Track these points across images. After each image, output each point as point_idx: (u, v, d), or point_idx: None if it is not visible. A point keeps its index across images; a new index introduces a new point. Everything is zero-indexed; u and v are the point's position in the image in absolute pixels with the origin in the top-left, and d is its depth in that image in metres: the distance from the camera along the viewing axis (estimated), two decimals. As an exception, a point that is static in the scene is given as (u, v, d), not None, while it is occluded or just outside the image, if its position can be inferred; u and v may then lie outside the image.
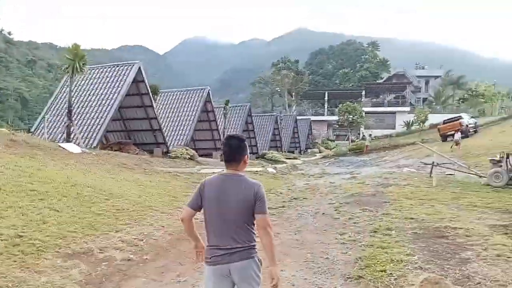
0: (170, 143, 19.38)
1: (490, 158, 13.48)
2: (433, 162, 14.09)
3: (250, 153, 22.80)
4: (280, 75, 57.06)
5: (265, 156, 24.87)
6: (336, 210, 9.29)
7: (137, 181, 11.15)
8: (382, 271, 4.65)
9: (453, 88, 62.77)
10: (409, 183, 12.95)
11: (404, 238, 6.41)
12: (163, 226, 7.21)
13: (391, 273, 4.54)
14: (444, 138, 29.20)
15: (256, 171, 17.20)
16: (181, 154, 17.83)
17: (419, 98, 65.44)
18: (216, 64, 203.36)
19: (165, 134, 19.24)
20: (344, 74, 75.03)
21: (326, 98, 55.48)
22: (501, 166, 12.51)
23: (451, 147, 22.93)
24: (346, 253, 5.86)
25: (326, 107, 55.08)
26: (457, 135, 23.98)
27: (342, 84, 72.70)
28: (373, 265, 4.93)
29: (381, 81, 67.57)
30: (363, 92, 56.25)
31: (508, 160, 12.28)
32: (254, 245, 2.67)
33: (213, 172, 15.09)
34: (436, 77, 68.34)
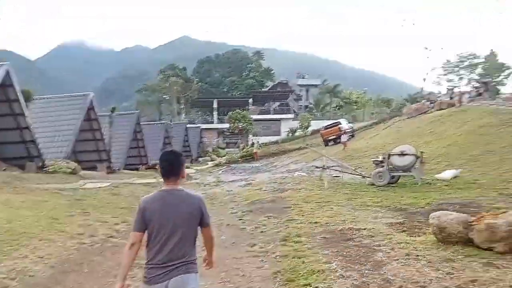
0: (47, 156, 16.99)
1: (373, 159, 14.61)
2: (323, 165, 14.75)
3: (140, 164, 21.20)
4: (168, 82, 55.46)
5: (156, 167, 23.56)
6: (240, 219, 8.95)
7: (6, 202, 9.33)
8: (306, 285, 4.36)
9: (330, 96, 68.33)
10: (303, 187, 13.29)
11: (315, 245, 6.29)
12: (41, 257, 5.96)
13: (316, 287, 4.26)
14: (326, 142, 31.39)
15: (148, 182, 16.08)
16: (60, 168, 15.78)
17: (301, 105, 69.82)
18: (97, 71, 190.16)
19: (41, 146, 16.78)
20: (232, 82, 76.33)
21: (215, 106, 55.63)
22: (383, 166, 13.62)
23: (343, 149, 24.87)
24: (262, 267, 5.48)
25: (215, 115, 55.19)
26: (344, 137, 26.52)
27: (230, 92, 73.83)
28: (295, 279, 4.62)
29: (266, 89, 70.36)
30: (251, 100, 57.82)
31: (389, 160, 13.41)
32: (195, 260, 2.70)
33: (99, 187, 13.70)
34: (315, 86, 73.69)
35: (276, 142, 43.10)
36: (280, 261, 5.59)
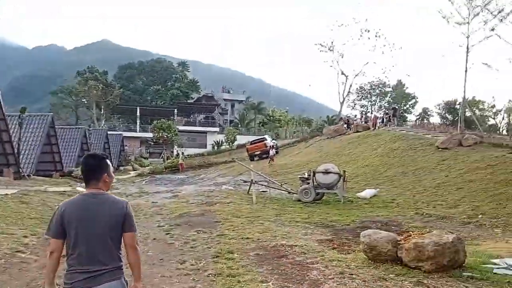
0: None
1: (299, 176, 14.93)
2: (251, 180, 14.73)
3: (53, 171, 19.30)
4: (87, 85, 52.17)
5: (72, 174, 21.80)
6: (168, 233, 8.46)
7: None
8: (247, 307, 4.13)
9: (255, 113, 69.58)
10: (232, 201, 13.10)
11: (249, 262, 6.11)
12: None
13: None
14: (252, 157, 31.67)
15: (64, 191, 14.74)
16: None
17: (226, 120, 70.07)
18: (4, 68, 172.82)
19: None
20: (156, 91, 74.16)
21: (138, 114, 53.51)
22: (309, 183, 13.97)
23: (269, 163, 25.34)
24: (194, 286, 5.14)
25: (138, 123, 53.06)
26: (272, 152, 27.20)
27: (154, 101, 71.71)
28: (234, 301, 4.37)
29: (191, 101, 69.50)
30: (175, 111, 56.63)
31: (314, 177, 13.79)
32: (121, 266, 2.58)
33: (6, 194, 12.17)
34: (240, 101, 74.61)
35: (202, 155, 42.51)
36: (214, 280, 5.30)
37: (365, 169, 18.50)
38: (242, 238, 7.70)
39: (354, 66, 45.13)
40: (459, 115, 24.91)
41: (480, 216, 9.60)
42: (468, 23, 21.01)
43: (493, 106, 46.32)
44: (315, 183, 13.72)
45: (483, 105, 49.00)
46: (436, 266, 5.24)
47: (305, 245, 7.12)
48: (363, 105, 63.71)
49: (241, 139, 44.62)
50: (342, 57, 43.67)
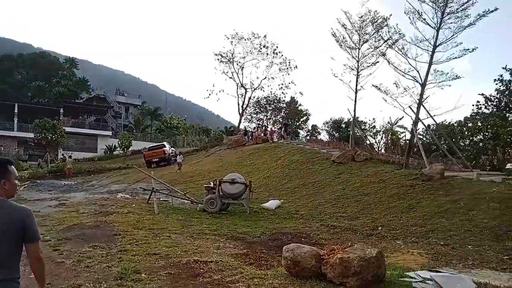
0: None
1: (205, 185, 14.32)
2: (153, 188, 13.69)
3: None
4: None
5: None
6: (55, 250, 7.15)
7: None
8: None
9: (151, 118, 66.86)
10: (130, 211, 11.94)
11: (161, 283, 5.36)
12: None
13: None
14: (149, 164, 30.03)
15: None
16: None
17: (120, 124, 66.00)
18: None
19: None
20: (38, 87, 66.59)
21: (16, 111, 47.24)
22: (214, 193, 13.45)
23: (176, 171, 24.61)
24: (98, 317, 4.24)
25: (16, 122, 46.78)
26: (179, 158, 26.27)
27: (36, 98, 64.31)
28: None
29: (81, 101, 63.98)
30: (61, 110, 51.38)
31: (220, 187, 13.32)
32: (17, 278, 2.49)
33: None
34: (136, 105, 71.09)
35: (92, 160, 39.04)
36: (122, 307, 4.46)
37: (268, 180, 18.63)
38: (148, 254, 6.85)
39: (253, 80, 45.75)
40: (351, 133, 26.71)
41: (379, 228, 10.10)
42: (359, 48, 22.67)
43: (374, 127, 51.33)
44: (220, 193, 13.28)
45: (365, 125, 54.01)
46: (361, 282, 5.12)
47: (221, 260, 6.57)
48: (259, 119, 65.70)
49: (137, 145, 42.22)
50: (242, 70, 44.34)
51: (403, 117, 38.90)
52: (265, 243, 8.48)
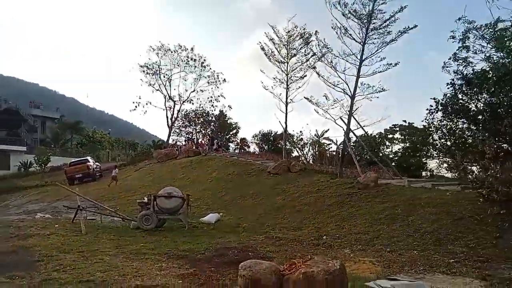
0: None
1: (138, 201, 13.31)
2: (78, 206, 12.39)
3: None
4: None
5: None
6: (-38, 284, 5.95)
7: None
8: None
9: (71, 132, 62.49)
10: (53, 232, 10.61)
11: (101, 313, 4.58)
12: None
13: None
14: (72, 180, 27.71)
15: None
16: None
17: (36, 138, 60.66)
18: None
19: None
20: None
21: None
22: (149, 208, 12.52)
23: (110, 184, 23.48)
24: None
25: None
26: (114, 171, 25.06)
27: None
28: None
29: (-10, 114, 57.74)
30: (-34, 123, 46.03)
31: (155, 202, 12.44)
32: None
33: None
34: (54, 119, 66.09)
35: (3, 178, 35.16)
36: None
37: (204, 193, 17.97)
38: (80, 282, 5.96)
39: (181, 92, 44.69)
40: (283, 144, 26.97)
41: (324, 237, 10.01)
42: (287, 62, 23.06)
43: (301, 139, 52.80)
44: (156, 208, 12.40)
45: (293, 137, 55.34)
46: (327, 297, 4.79)
47: (167, 283, 5.91)
48: (188, 132, 64.47)
49: (56, 161, 38.97)
50: (170, 82, 43.25)
51: (328, 129, 40.22)
52: (211, 260, 7.89)
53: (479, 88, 10.65)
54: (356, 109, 16.20)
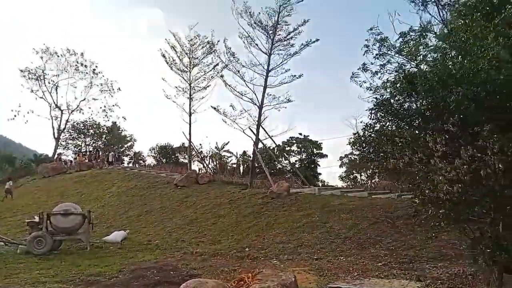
0: None
1: (28, 220, 11.38)
2: None
3: None
4: None
5: None
6: None
7: None
8: None
9: None
10: None
11: None
12: None
13: None
14: None
15: None
16: None
17: None
18: None
19: None
20: None
21: None
22: (41, 228, 10.76)
23: (5, 197, 21.66)
24: None
25: None
26: (9, 184, 22.88)
27: None
28: None
29: None
30: None
31: (49, 221, 10.76)
32: None
33: None
34: None
35: None
36: None
37: (103, 210, 16.30)
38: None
39: (70, 101, 41.05)
40: (188, 156, 26.11)
41: (247, 249, 9.61)
42: (189, 71, 22.62)
43: (201, 152, 52.09)
44: (50, 229, 10.73)
45: (194, 149, 54.35)
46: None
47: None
48: (77, 145, 59.15)
49: None
50: (56, 89, 39.28)
51: (228, 142, 40.36)
52: (129, 284, 6.92)
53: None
54: (264, 119, 16.36)
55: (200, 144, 47.87)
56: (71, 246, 11.30)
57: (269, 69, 16.37)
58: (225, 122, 17.25)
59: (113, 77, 73.74)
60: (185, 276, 7.38)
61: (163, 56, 22.61)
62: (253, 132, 16.44)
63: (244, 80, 16.58)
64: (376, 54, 12.56)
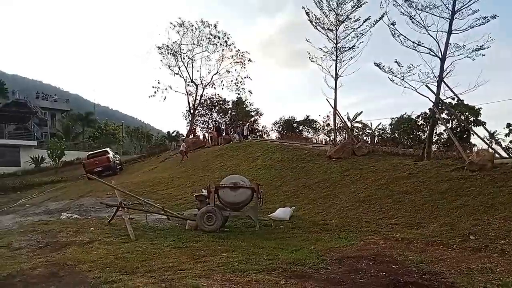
0: None
1: (197, 194, 10.54)
2: (120, 203, 9.68)
3: None
4: None
5: None
6: None
7: None
8: None
9: (83, 125, 59.98)
10: (93, 239, 7.94)
11: None
12: None
13: None
14: (91, 174, 25.03)
15: None
16: None
17: (46, 132, 58.06)
18: None
19: None
20: None
21: None
22: (209, 203, 9.79)
23: (182, 160, 24.03)
24: None
25: None
26: (183, 146, 25.52)
27: None
28: None
29: (-3, 107, 55.13)
30: (-27, 118, 43.56)
31: (217, 195, 9.70)
32: None
33: None
34: (64, 111, 63.26)
35: (15, 174, 32.68)
36: None
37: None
38: None
39: (203, 76, 41.81)
40: (333, 125, 23.84)
41: (471, 237, 7.19)
42: (336, 29, 20.46)
43: (328, 124, 49.72)
44: (217, 203, 9.68)
45: (316, 123, 52.24)
46: None
47: None
48: (204, 121, 61.65)
49: (68, 155, 36.46)
50: (192, 63, 39.93)
51: (362, 112, 37.28)
52: (350, 279, 5.14)
53: None
54: (448, 73, 13.27)
55: (327, 116, 45.31)
56: (235, 222, 10.18)
57: (455, 10, 13.09)
58: (393, 81, 14.64)
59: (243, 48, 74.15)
60: (422, 274, 5.36)
61: (307, 14, 20.90)
62: (431, 90, 13.51)
63: (423, 27, 13.55)
64: None
